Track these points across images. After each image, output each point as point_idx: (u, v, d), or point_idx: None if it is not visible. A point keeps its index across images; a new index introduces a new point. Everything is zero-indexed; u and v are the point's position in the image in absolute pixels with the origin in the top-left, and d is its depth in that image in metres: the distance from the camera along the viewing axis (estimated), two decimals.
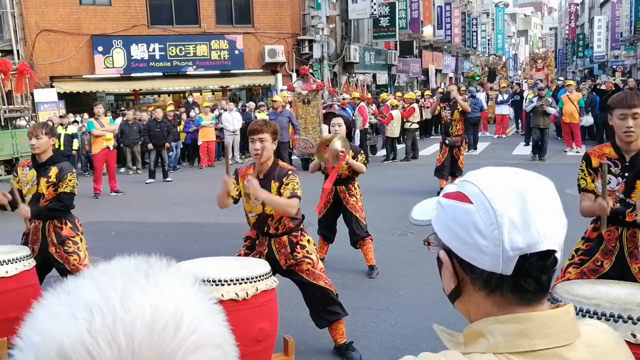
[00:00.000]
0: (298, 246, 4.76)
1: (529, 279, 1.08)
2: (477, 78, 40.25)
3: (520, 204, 1.06)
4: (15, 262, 4.77)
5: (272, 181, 4.64)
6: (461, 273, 1.14)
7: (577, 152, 17.10)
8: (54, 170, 5.41)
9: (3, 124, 12.58)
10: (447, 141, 11.51)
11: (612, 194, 3.96)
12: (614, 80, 26.11)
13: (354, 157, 6.99)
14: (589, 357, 1.07)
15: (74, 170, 5.57)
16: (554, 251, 1.07)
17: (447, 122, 11.64)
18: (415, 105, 18.77)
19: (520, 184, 1.09)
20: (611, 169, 3.95)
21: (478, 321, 1.11)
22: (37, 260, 5.19)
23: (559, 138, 20.34)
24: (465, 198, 1.10)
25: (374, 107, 20.08)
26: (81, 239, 5.61)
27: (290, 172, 4.65)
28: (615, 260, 4.01)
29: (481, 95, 25.28)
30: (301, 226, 4.87)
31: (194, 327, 0.62)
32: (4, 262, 4.71)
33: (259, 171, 4.71)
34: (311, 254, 4.79)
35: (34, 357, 0.59)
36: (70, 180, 5.41)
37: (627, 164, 3.92)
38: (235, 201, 4.80)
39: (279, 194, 4.61)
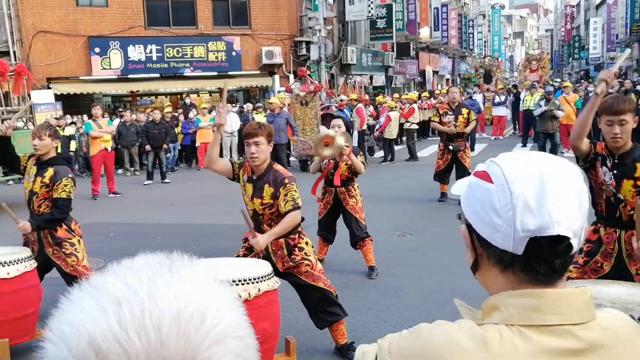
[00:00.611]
0: (296, 249, 4.75)
1: (540, 261, 1.11)
2: (474, 80, 40.28)
3: (538, 188, 1.09)
4: (17, 264, 4.78)
5: (267, 185, 4.64)
6: (479, 248, 1.19)
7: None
8: (49, 172, 5.42)
9: None
10: (450, 146, 10.90)
11: (607, 187, 4.06)
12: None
13: None
14: (603, 339, 1.09)
15: (70, 175, 5.54)
16: (566, 237, 1.09)
17: (450, 127, 10.95)
18: (415, 105, 18.78)
19: (541, 168, 1.12)
20: (607, 161, 4.06)
21: (494, 295, 1.16)
22: (37, 260, 5.20)
23: None
24: (488, 178, 1.15)
25: (371, 108, 20.10)
26: (79, 241, 5.61)
27: (287, 181, 4.62)
28: (615, 262, 4.07)
29: (478, 97, 25.37)
30: (299, 229, 4.86)
31: (218, 319, 0.64)
32: (5, 263, 4.72)
33: (255, 172, 4.73)
34: (309, 255, 4.78)
35: (66, 348, 0.61)
36: (65, 185, 5.39)
37: (616, 161, 4.01)
38: (230, 176, 4.87)
39: (273, 198, 4.62)
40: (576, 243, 1.11)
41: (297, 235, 4.79)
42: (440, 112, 11.00)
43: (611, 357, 1.10)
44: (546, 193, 1.09)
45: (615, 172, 4.00)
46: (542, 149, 16.32)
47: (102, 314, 0.61)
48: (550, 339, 1.07)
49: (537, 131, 15.54)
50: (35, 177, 5.44)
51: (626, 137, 3.92)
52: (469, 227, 1.20)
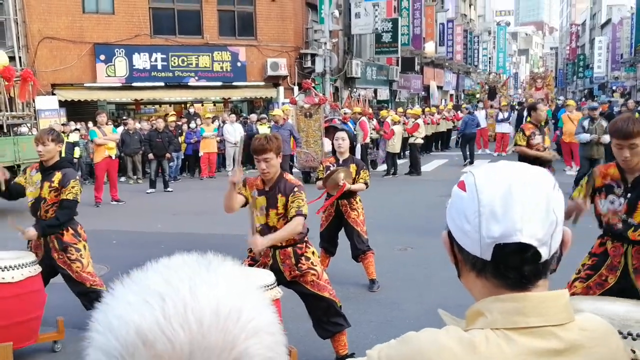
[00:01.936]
0: (303, 258, 4.78)
1: (508, 268, 1.15)
2: (477, 96, 40.38)
3: (504, 196, 1.13)
4: (21, 268, 4.80)
5: (279, 195, 4.68)
6: (457, 254, 1.24)
7: (577, 171, 17.13)
8: (57, 176, 5.44)
9: (5, 131, 12.58)
10: None
11: (615, 214, 4.00)
12: (610, 99, 26.20)
13: (357, 172, 7.09)
14: (581, 339, 1.13)
15: (78, 177, 5.59)
16: (531, 246, 1.12)
17: (540, 150, 8.86)
18: (419, 120, 18.81)
19: (510, 178, 1.16)
20: (614, 189, 4.01)
21: (478, 302, 1.20)
22: (42, 265, 5.21)
23: (559, 157, 20.39)
24: (463, 186, 1.21)
25: (374, 122, 20.16)
26: (84, 246, 5.62)
27: (296, 189, 4.67)
28: (620, 276, 4.05)
29: (481, 113, 25.42)
30: (305, 238, 4.90)
31: (253, 315, 0.69)
32: (9, 267, 4.74)
33: (266, 183, 4.75)
34: (316, 265, 4.81)
35: (114, 338, 0.66)
36: (73, 187, 5.42)
37: (629, 185, 3.97)
38: (244, 204, 4.82)
39: (286, 208, 4.64)
40: (545, 251, 1.14)
41: (304, 244, 4.84)
42: (527, 133, 8.81)
43: (590, 356, 1.14)
44: (512, 202, 1.13)
45: (629, 195, 3.95)
46: (582, 176, 16.14)
47: (148, 308, 0.66)
48: (534, 340, 1.11)
49: (582, 156, 13.55)
50: (42, 182, 5.44)
51: (637, 159, 3.89)
52: (449, 233, 1.25)
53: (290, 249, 4.77)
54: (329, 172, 6.92)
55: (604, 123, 13.20)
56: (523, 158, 8.43)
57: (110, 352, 0.66)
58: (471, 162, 20.04)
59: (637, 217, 3.94)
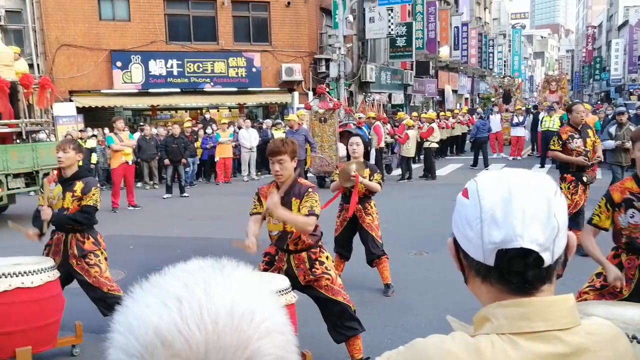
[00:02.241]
0: (317, 262, 4.82)
1: (511, 273, 1.17)
2: (492, 100, 40.23)
3: (505, 202, 1.16)
4: (40, 273, 4.87)
5: (294, 198, 4.72)
6: (463, 260, 1.26)
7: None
8: (79, 185, 5.55)
9: (24, 137, 12.74)
10: (584, 178, 8.41)
11: (636, 228, 3.99)
12: (626, 102, 25.93)
13: (370, 176, 7.08)
14: (588, 343, 1.15)
15: (98, 185, 5.70)
16: (533, 251, 1.13)
17: (581, 153, 8.32)
18: (434, 125, 18.79)
19: (511, 184, 1.18)
20: (634, 203, 3.99)
21: (484, 307, 1.22)
22: (60, 271, 5.29)
23: None
24: (466, 193, 1.24)
25: (389, 126, 20.16)
26: (102, 252, 5.72)
27: (310, 190, 4.72)
28: (635, 288, 4.03)
29: (496, 117, 25.35)
30: (320, 243, 4.94)
31: (265, 316, 0.74)
32: (29, 272, 4.80)
33: (281, 189, 4.80)
34: (330, 270, 4.85)
35: (134, 339, 0.70)
36: (93, 194, 5.56)
37: None
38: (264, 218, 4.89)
39: (299, 210, 4.69)
40: (548, 257, 1.15)
41: (318, 249, 4.87)
42: (564, 137, 8.34)
43: (596, 359, 1.15)
44: (512, 207, 1.15)
45: None
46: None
47: (166, 310, 0.70)
48: (539, 345, 1.12)
49: (611, 163, 12.61)
50: (64, 193, 5.55)
51: None
52: (455, 240, 1.27)
53: (304, 254, 4.82)
54: (342, 166, 6.93)
55: (633, 128, 11.90)
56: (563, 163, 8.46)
57: (130, 351, 0.70)
58: (486, 166, 19.95)
59: None
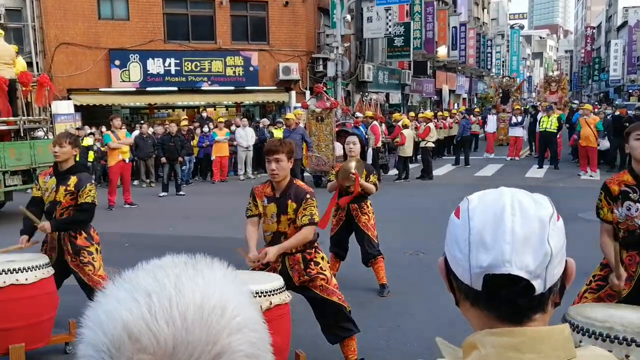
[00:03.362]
0: (312, 263, 4.81)
1: (501, 300, 1.09)
2: (491, 100, 40.27)
3: (495, 225, 1.08)
4: (35, 270, 4.87)
5: (289, 200, 4.72)
6: (453, 281, 1.19)
7: (591, 176, 17.07)
8: (73, 180, 5.55)
9: (22, 135, 12.73)
10: None
11: (632, 220, 4.00)
12: (626, 103, 25.96)
13: (367, 177, 7.08)
14: None
15: (93, 181, 5.69)
16: (522, 278, 1.05)
17: None
18: (431, 124, 18.82)
19: (504, 205, 1.10)
20: (630, 195, 3.99)
21: (473, 333, 1.13)
22: (55, 267, 5.29)
23: (575, 161, 20.35)
24: (458, 213, 1.17)
25: (384, 126, 20.16)
26: (97, 249, 5.71)
27: (308, 196, 4.72)
28: (634, 285, 4.01)
29: (493, 118, 25.42)
30: (315, 244, 4.93)
31: (237, 312, 0.73)
32: (23, 269, 4.80)
33: (276, 189, 4.79)
34: (325, 270, 4.84)
35: (102, 333, 0.69)
36: (90, 191, 5.56)
37: None
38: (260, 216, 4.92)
39: (296, 213, 4.69)
40: (539, 285, 1.07)
41: (313, 250, 4.87)
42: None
43: None
44: (503, 231, 1.07)
45: None
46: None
47: (135, 304, 0.70)
48: None
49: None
50: (58, 186, 5.55)
51: None
52: (446, 260, 1.20)
53: (299, 255, 4.81)
54: (341, 165, 6.93)
55: None
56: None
57: (98, 346, 0.69)
58: (467, 164, 21.12)
59: None
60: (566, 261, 1.13)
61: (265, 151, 4.74)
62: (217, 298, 0.72)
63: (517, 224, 1.07)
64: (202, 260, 0.79)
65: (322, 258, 4.92)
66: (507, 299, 1.08)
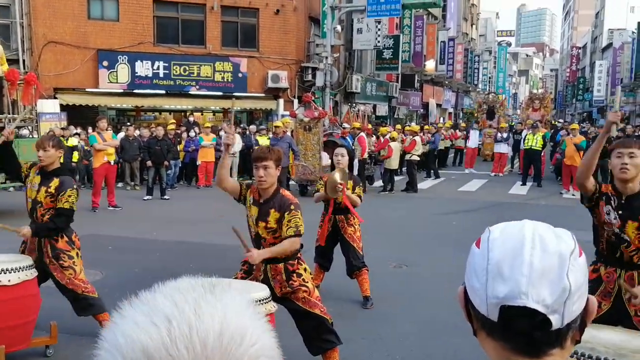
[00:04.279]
0: (294, 274, 4.79)
1: (516, 332, 1.09)
2: (475, 115, 40.54)
3: (513, 256, 1.09)
4: (18, 272, 4.83)
5: (273, 209, 4.71)
6: (471, 310, 1.18)
7: (573, 195, 17.19)
8: (55, 182, 5.51)
9: None
10: None
11: (610, 226, 4.15)
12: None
13: (353, 188, 7.10)
14: None
15: (75, 186, 5.63)
16: (539, 312, 1.06)
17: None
18: (417, 138, 18.92)
19: (524, 237, 1.11)
20: (611, 202, 4.15)
21: None
22: (39, 267, 5.27)
23: (558, 179, 20.52)
24: (479, 243, 1.17)
25: (373, 138, 20.23)
26: (77, 254, 5.67)
27: (292, 207, 4.70)
28: (613, 302, 4.12)
29: (475, 133, 25.60)
30: (298, 255, 4.92)
31: (255, 339, 0.72)
32: (6, 270, 4.76)
33: (262, 195, 4.79)
34: (307, 282, 4.83)
35: (120, 356, 0.69)
36: (69, 196, 5.48)
37: (623, 201, 4.10)
38: (237, 197, 4.95)
39: (278, 223, 4.69)
40: (557, 320, 1.07)
41: (296, 261, 4.85)
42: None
43: None
44: (521, 263, 1.07)
45: (620, 212, 4.09)
46: None
47: (155, 329, 0.69)
48: None
49: None
50: (40, 186, 5.52)
51: (634, 172, 4.02)
52: (465, 289, 1.20)
53: (281, 265, 4.78)
54: (335, 181, 6.93)
55: None
56: None
57: None
58: (437, 177, 22.03)
59: (627, 233, 4.08)
60: (587, 298, 1.13)
61: (254, 158, 4.75)
62: (235, 325, 0.72)
63: (535, 258, 1.07)
64: (219, 283, 0.78)
65: (305, 270, 4.90)
66: (523, 332, 1.08)
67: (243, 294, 0.79)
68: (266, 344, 0.74)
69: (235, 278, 4.92)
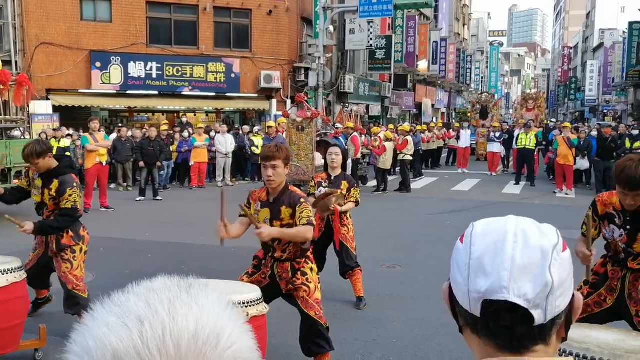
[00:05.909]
0: (299, 272, 4.81)
1: (498, 327, 1.07)
2: (468, 116, 40.61)
3: (495, 251, 1.07)
4: (7, 274, 4.79)
5: (284, 206, 4.70)
6: (455, 306, 1.17)
7: (567, 194, 17.24)
8: (55, 184, 5.57)
9: None
10: None
11: (616, 243, 4.10)
12: (612, 125, 26.30)
13: (348, 190, 7.09)
14: None
15: (75, 184, 5.63)
16: (520, 306, 1.04)
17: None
18: (409, 137, 18.93)
19: (507, 232, 1.09)
20: (615, 220, 4.08)
21: None
22: (41, 261, 5.49)
23: (551, 178, 20.57)
24: (462, 237, 1.16)
25: (364, 137, 20.22)
26: (81, 249, 5.76)
27: (302, 200, 4.70)
28: (617, 299, 4.15)
29: (466, 133, 25.57)
30: (307, 254, 4.92)
31: (232, 341, 0.69)
32: None
33: (271, 194, 4.77)
34: (310, 282, 4.83)
35: None
36: (70, 196, 5.54)
37: (628, 217, 4.03)
38: (249, 224, 4.86)
39: (292, 218, 4.68)
40: (539, 315, 1.05)
41: (303, 259, 4.87)
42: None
43: None
44: (502, 258, 1.06)
45: (629, 227, 4.02)
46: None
47: (126, 331, 0.66)
48: None
49: None
50: (43, 188, 5.61)
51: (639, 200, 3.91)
52: (450, 284, 1.19)
53: (288, 264, 4.81)
54: (320, 194, 6.87)
55: None
56: None
57: None
58: (420, 176, 22.15)
59: (637, 247, 4.03)
60: (573, 295, 1.11)
61: (262, 157, 4.72)
62: (211, 326, 0.69)
63: (517, 252, 1.06)
64: (196, 283, 0.75)
65: (311, 269, 4.90)
66: (505, 327, 1.06)
67: (221, 295, 0.76)
68: (244, 346, 0.71)
69: (247, 273, 4.97)
